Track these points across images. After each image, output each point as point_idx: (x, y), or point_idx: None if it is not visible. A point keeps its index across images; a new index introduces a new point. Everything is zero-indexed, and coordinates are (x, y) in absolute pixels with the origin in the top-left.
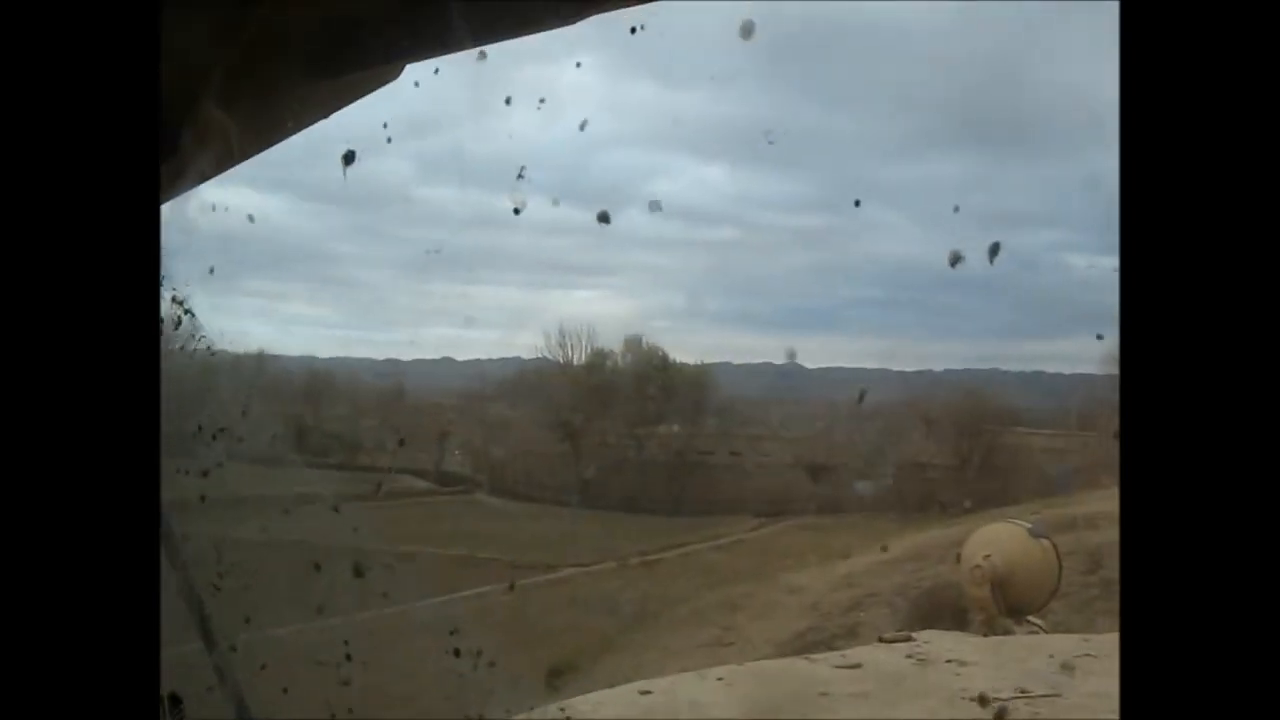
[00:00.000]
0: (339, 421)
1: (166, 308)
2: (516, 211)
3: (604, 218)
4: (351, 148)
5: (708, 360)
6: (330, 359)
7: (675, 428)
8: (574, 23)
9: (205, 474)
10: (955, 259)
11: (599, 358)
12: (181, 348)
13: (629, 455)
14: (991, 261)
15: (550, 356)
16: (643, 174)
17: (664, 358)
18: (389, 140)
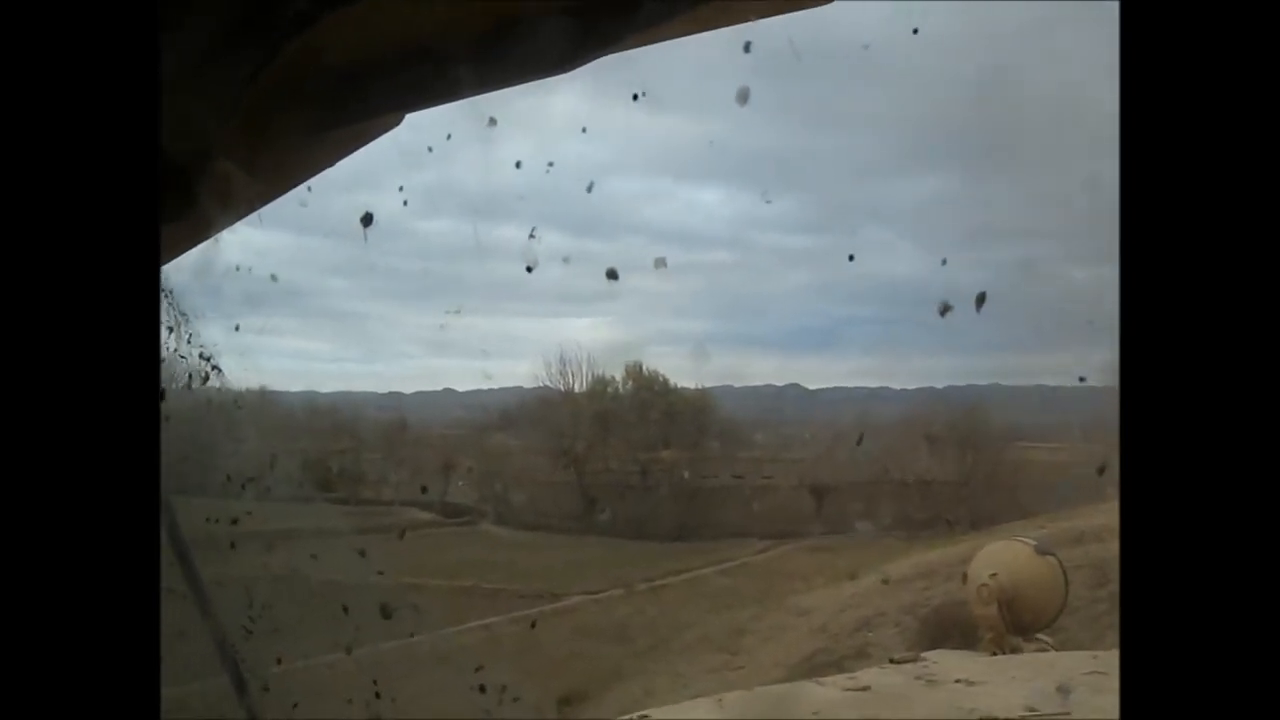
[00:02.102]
0: (343, 456)
1: (194, 363)
2: (529, 269)
3: (613, 274)
4: (370, 210)
5: (708, 384)
6: (332, 393)
7: (678, 452)
8: (571, 69)
9: (235, 521)
10: (945, 309)
11: (600, 385)
12: (196, 390)
13: (632, 481)
14: (978, 310)
15: (551, 385)
16: (638, 199)
17: (665, 383)
18: (405, 204)
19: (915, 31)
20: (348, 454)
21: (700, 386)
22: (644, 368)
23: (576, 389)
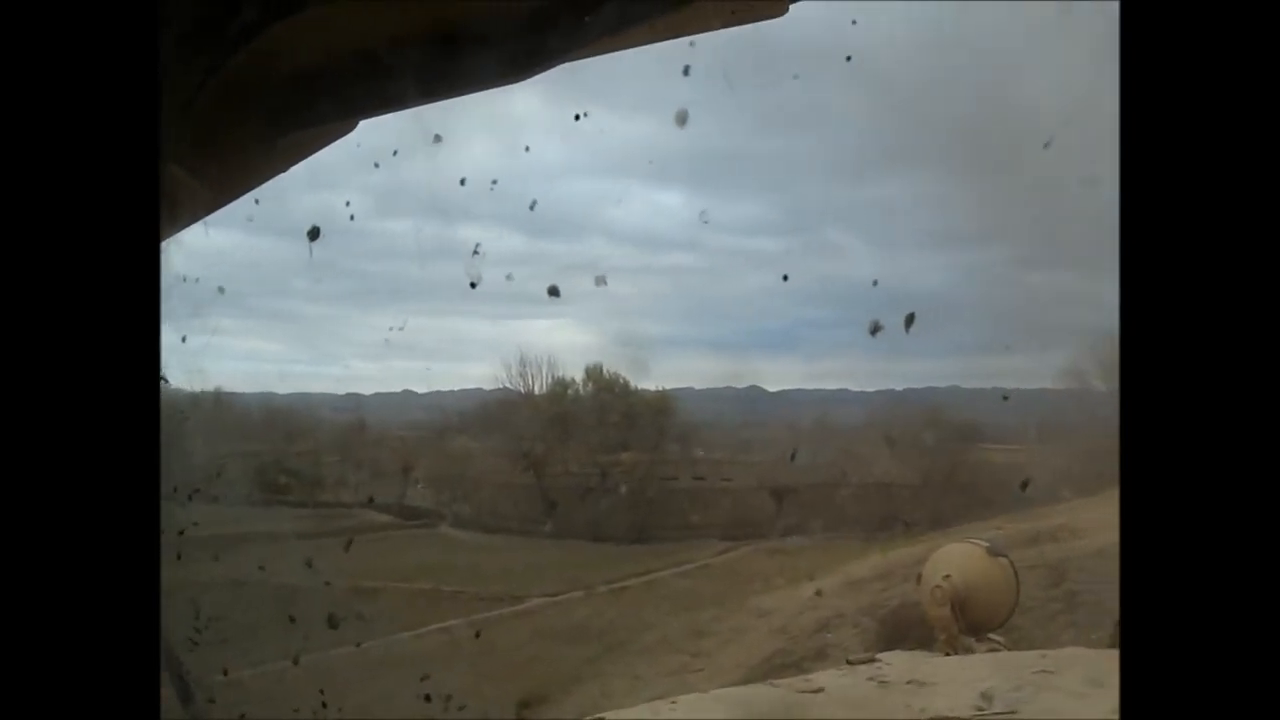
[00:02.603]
0: (300, 458)
1: None
2: (473, 285)
3: (554, 291)
4: (316, 224)
5: (669, 386)
6: (289, 394)
7: (638, 454)
8: (521, 80)
9: (181, 533)
10: (875, 328)
11: (560, 387)
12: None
13: (593, 484)
14: (907, 330)
15: (511, 387)
16: (597, 201)
17: (625, 385)
18: (352, 218)
19: (854, 23)
20: (305, 456)
21: (660, 388)
22: (604, 370)
23: (536, 391)
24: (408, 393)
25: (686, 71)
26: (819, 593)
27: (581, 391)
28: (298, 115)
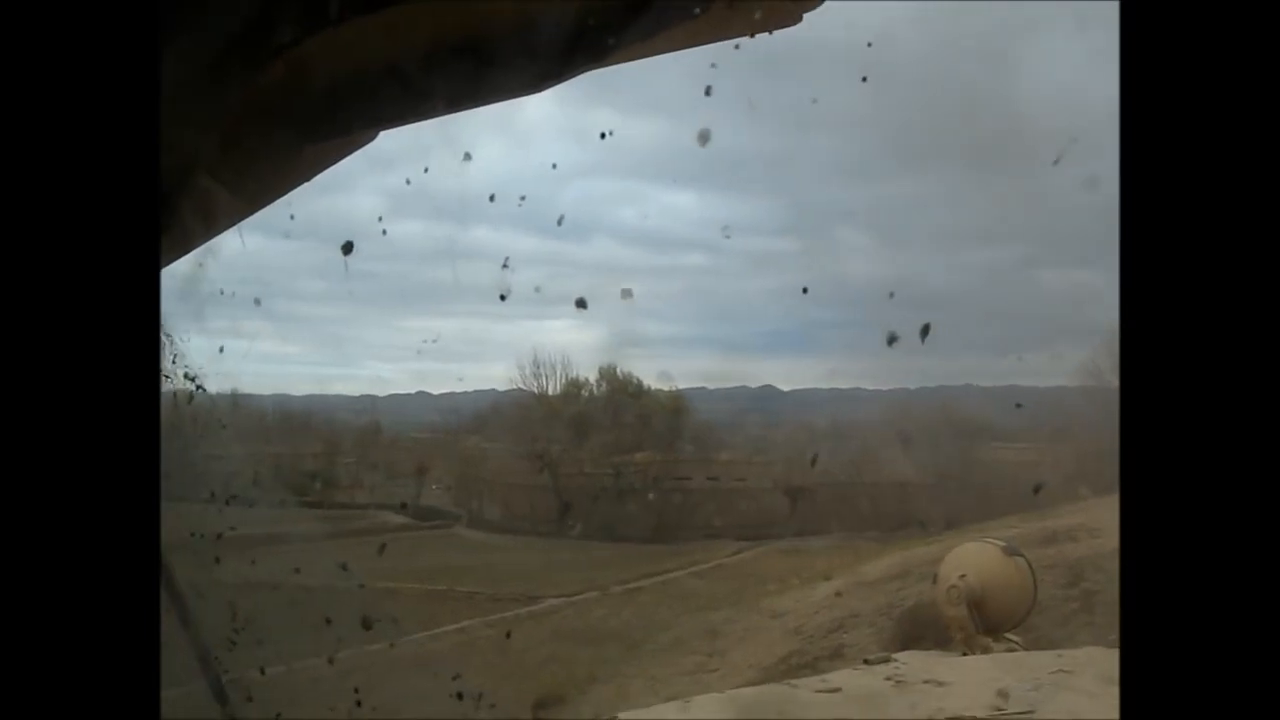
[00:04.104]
0: (316, 460)
1: (181, 382)
2: (503, 298)
3: (581, 304)
4: (350, 239)
5: (682, 386)
6: (305, 396)
7: (652, 455)
8: (541, 90)
9: (219, 536)
10: (891, 338)
11: (574, 387)
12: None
13: (607, 484)
14: (923, 341)
15: (525, 388)
16: (611, 202)
17: (639, 385)
18: (384, 233)
19: (869, 45)
20: (321, 458)
21: (674, 389)
22: (618, 370)
23: (550, 392)
24: (422, 394)
25: (708, 92)
26: (839, 594)
27: (595, 392)
28: (325, 126)
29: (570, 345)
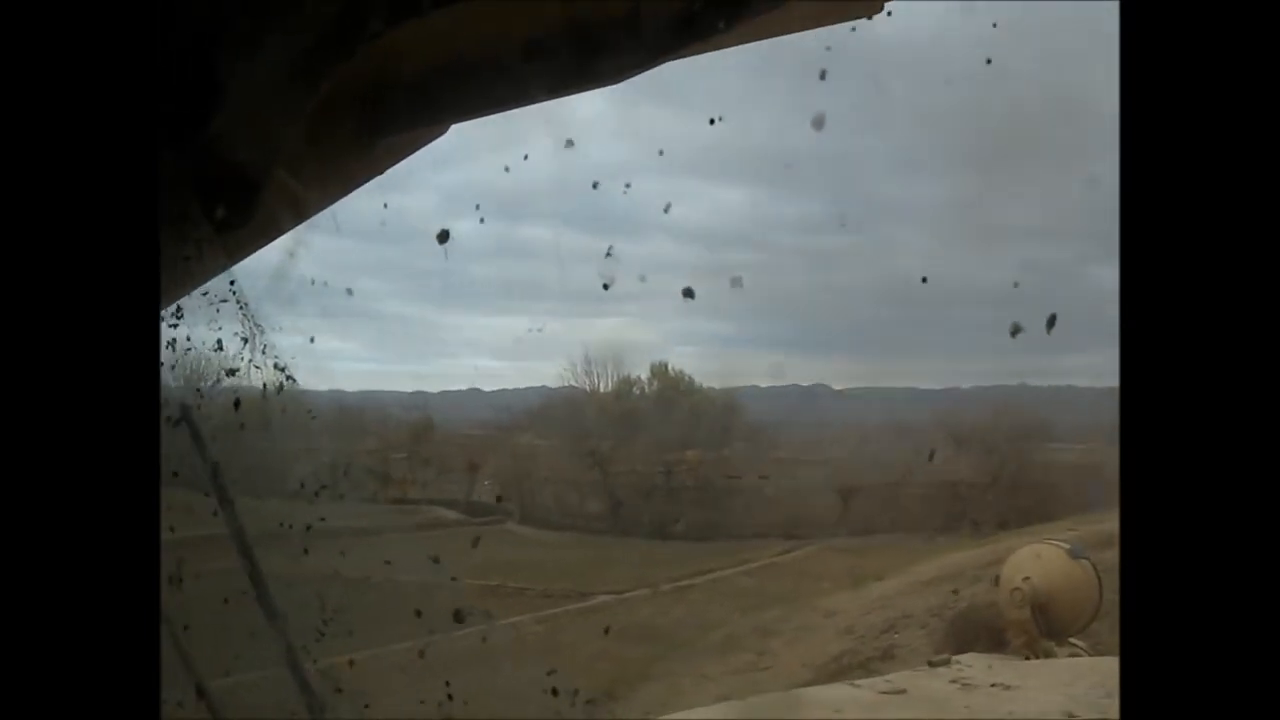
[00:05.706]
0: (370, 455)
1: (269, 374)
2: (606, 287)
3: (689, 293)
4: (446, 227)
5: (734, 384)
6: (358, 393)
7: (703, 453)
8: (620, 81)
9: (308, 528)
10: (1015, 330)
11: (625, 385)
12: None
13: (658, 481)
14: (1049, 332)
15: (577, 385)
16: (661, 199)
17: (690, 383)
18: (481, 220)
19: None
20: (375, 455)
21: (726, 386)
22: (669, 367)
23: (602, 389)
24: (474, 391)
25: (823, 75)
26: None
27: (646, 389)
28: (397, 119)
29: (622, 343)
